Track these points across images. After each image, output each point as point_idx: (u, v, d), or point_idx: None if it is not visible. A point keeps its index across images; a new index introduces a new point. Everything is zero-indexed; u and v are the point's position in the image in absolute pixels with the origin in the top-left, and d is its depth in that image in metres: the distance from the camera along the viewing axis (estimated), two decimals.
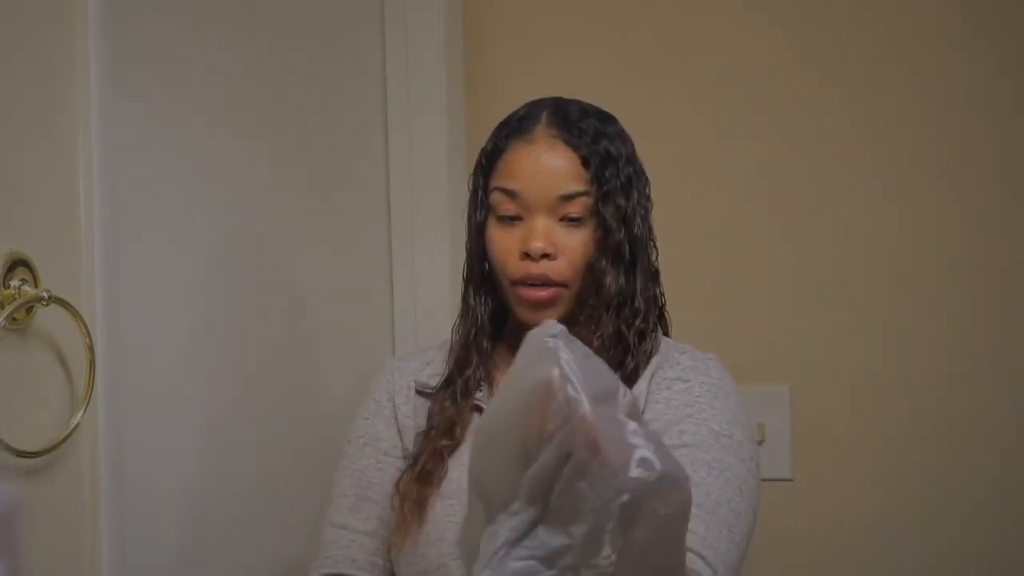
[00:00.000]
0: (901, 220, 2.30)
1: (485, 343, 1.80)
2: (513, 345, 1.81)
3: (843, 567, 2.32)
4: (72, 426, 1.70)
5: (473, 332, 1.80)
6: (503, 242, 1.75)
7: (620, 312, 1.75)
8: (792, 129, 2.35)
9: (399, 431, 1.82)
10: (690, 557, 1.59)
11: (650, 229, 1.79)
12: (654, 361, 1.76)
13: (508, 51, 2.49)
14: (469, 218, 1.81)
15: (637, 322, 1.75)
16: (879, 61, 2.31)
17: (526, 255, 1.73)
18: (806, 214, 2.34)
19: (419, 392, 1.82)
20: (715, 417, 1.71)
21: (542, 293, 1.73)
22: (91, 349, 1.71)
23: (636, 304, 1.76)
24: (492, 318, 1.82)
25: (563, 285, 1.74)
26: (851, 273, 2.32)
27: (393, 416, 1.83)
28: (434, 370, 1.83)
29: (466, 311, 1.82)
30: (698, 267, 2.31)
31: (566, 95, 1.82)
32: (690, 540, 1.60)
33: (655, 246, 1.81)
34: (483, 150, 1.81)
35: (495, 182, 1.77)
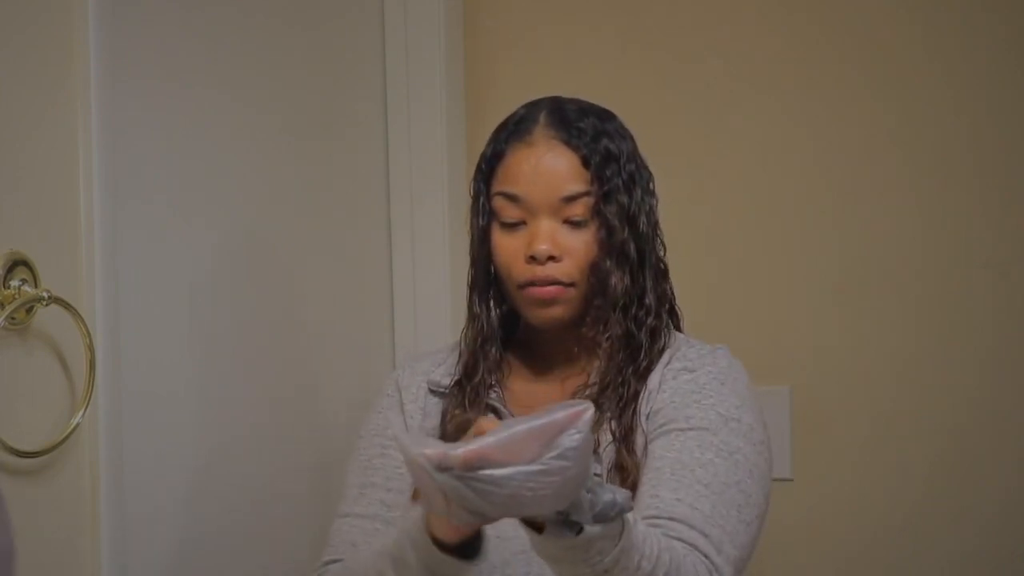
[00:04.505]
0: (901, 220, 2.30)
1: (493, 349, 1.79)
2: (524, 350, 1.82)
3: (843, 567, 2.32)
4: (72, 426, 1.70)
5: (480, 340, 1.79)
6: (508, 247, 1.75)
7: (628, 311, 1.74)
8: (793, 128, 2.35)
9: (406, 425, 1.82)
10: (692, 535, 1.59)
11: (656, 225, 1.79)
12: (666, 355, 1.76)
13: (508, 53, 2.49)
14: (471, 224, 1.80)
15: (649, 320, 1.75)
16: (884, 60, 2.31)
17: (532, 258, 1.73)
18: (806, 214, 2.34)
19: (432, 391, 1.82)
20: (723, 402, 1.71)
21: (548, 290, 1.73)
22: (91, 349, 1.71)
23: (647, 302, 1.75)
24: (502, 323, 1.82)
25: (570, 285, 1.74)
26: (851, 273, 2.32)
27: (401, 408, 1.82)
28: (447, 370, 1.82)
29: (472, 318, 1.81)
30: (698, 267, 2.30)
31: (567, 92, 1.82)
32: (694, 518, 1.60)
33: (662, 242, 1.80)
34: (483, 155, 1.80)
35: (496, 187, 1.76)
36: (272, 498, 2.11)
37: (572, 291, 1.74)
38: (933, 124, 2.28)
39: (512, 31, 2.49)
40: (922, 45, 2.30)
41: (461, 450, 1.33)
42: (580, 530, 1.41)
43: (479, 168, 1.80)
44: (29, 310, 1.67)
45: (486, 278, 1.79)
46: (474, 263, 1.81)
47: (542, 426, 1.35)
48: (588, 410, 1.36)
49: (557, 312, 1.74)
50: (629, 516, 1.47)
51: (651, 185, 1.79)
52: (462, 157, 2.41)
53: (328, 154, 2.30)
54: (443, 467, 1.33)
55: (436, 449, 1.34)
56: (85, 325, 1.71)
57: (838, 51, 2.33)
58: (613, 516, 1.42)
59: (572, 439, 1.34)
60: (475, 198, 1.80)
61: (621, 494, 1.42)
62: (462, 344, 1.82)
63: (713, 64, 2.38)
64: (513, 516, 1.41)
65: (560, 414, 1.35)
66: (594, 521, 1.41)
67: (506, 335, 1.82)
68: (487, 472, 1.33)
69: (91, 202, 1.75)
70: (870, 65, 2.31)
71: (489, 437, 1.35)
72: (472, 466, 1.32)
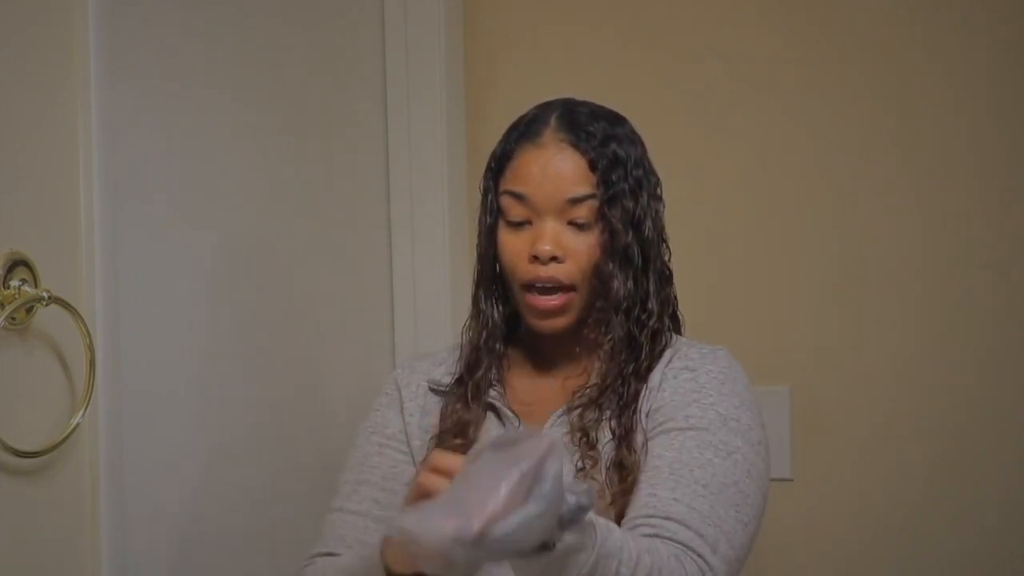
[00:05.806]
0: (901, 220, 2.30)
1: (497, 345, 1.81)
2: (526, 347, 1.83)
3: (843, 567, 2.32)
4: (72, 426, 1.70)
5: (484, 335, 1.81)
6: (513, 245, 1.76)
7: (630, 314, 1.75)
8: (793, 128, 2.35)
9: (404, 423, 1.83)
10: (688, 535, 1.60)
11: (662, 231, 1.80)
12: (667, 354, 1.77)
13: (508, 53, 2.49)
14: (480, 221, 1.82)
15: (651, 323, 1.76)
16: (884, 60, 2.31)
17: (535, 258, 1.74)
18: (806, 214, 2.34)
19: (433, 390, 1.83)
20: (722, 402, 1.72)
21: (553, 301, 1.74)
22: (91, 349, 1.71)
23: (649, 306, 1.77)
24: (506, 320, 1.82)
25: (572, 288, 1.74)
26: (851, 273, 2.32)
27: (400, 406, 1.83)
28: (447, 369, 1.84)
29: (476, 313, 1.82)
30: (698, 267, 2.30)
31: (566, 92, 1.82)
32: (691, 517, 1.61)
33: (668, 247, 1.81)
34: (493, 153, 1.81)
35: (504, 185, 1.77)
36: (272, 498, 2.11)
37: (573, 297, 1.75)
38: (933, 124, 2.28)
39: (512, 31, 2.49)
40: (922, 45, 2.30)
41: (475, 525, 1.31)
42: (553, 546, 1.40)
43: (489, 166, 1.81)
44: (29, 310, 1.67)
45: (492, 275, 1.81)
46: (481, 260, 1.82)
47: (530, 467, 1.33)
48: (555, 437, 1.36)
49: (558, 324, 1.76)
50: (602, 522, 1.48)
51: (659, 191, 1.80)
52: (462, 157, 2.41)
53: (328, 154, 2.30)
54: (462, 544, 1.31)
55: (453, 524, 1.31)
56: (85, 325, 1.71)
57: (838, 51, 2.33)
58: (580, 518, 1.41)
59: (554, 467, 1.34)
60: (484, 195, 1.81)
61: (584, 495, 1.41)
62: (464, 340, 1.83)
63: (713, 64, 2.38)
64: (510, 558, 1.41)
65: (536, 450, 1.34)
66: (563, 529, 1.40)
67: (508, 331, 1.83)
68: (499, 531, 1.31)
69: (91, 202, 1.75)
70: (870, 65, 2.31)
71: (492, 494, 1.32)
72: (485, 532, 1.31)
